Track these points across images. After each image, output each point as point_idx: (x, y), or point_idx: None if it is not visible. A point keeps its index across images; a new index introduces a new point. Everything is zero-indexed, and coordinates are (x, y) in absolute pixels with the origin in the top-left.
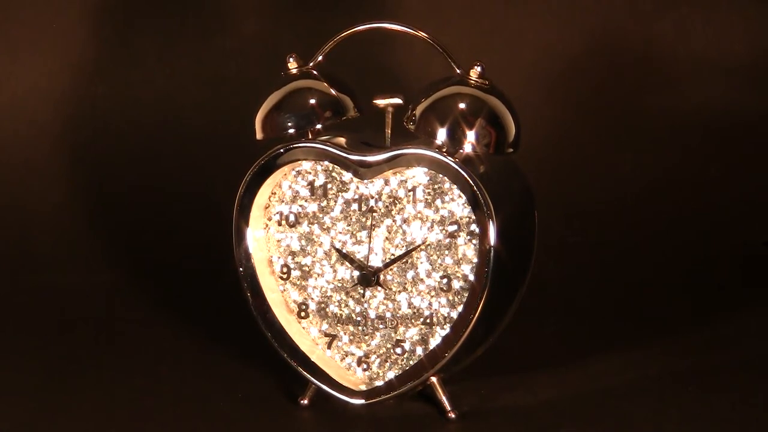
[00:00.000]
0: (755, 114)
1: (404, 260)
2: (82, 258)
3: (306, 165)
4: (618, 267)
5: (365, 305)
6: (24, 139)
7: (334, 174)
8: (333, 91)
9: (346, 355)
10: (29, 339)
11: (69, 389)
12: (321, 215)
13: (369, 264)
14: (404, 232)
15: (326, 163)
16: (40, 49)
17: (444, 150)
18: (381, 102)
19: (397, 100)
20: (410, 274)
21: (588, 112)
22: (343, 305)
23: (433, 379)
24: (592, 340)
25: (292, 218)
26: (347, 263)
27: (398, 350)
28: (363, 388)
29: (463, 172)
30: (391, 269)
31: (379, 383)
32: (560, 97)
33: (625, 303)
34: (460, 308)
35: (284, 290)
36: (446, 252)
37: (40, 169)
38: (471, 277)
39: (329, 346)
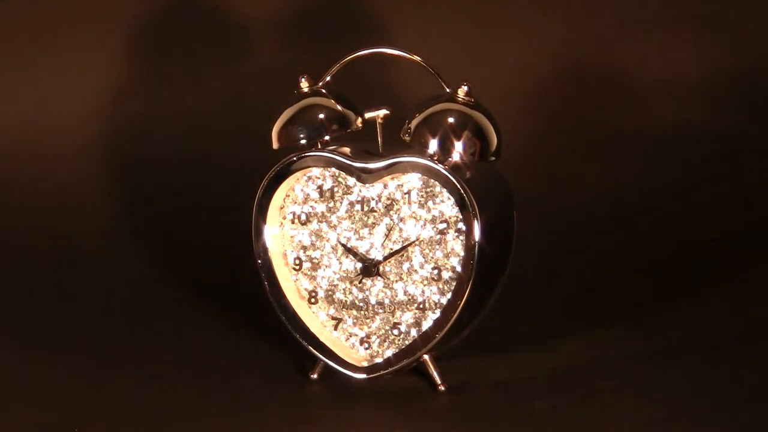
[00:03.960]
0: (702, 128)
1: (401, 254)
2: (121, 253)
3: (316, 171)
4: (585, 261)
5: (367, 293)
6: (70, 150)
7: (340, 179)
8: (339, 107)
9: (350, 336)
10: (76, 323)
11: (109, 366)
12: (328, 214)
13: (370, 257)
14: (401, 230)
15: (333, 169)
16: (84, 69)
17: (435, 158)
18: (369, 114)
19: (384, 111)
20: (406, 265)
21: (559, 126)
22: (347, 292)
23: (426, 356)
24: (565, 323)
25: (303, 217)
26: (351, 256)
27: (395, 332)
28: (365, 364)
29: (451, 178)
30: (389, 261)
31: (378, 360)
32: (535, 113)
33: (592, 292)
34: (449, 295)
35: (297, 280)
36: (437, 247)
37: (85, 176)
38: (458, 269)
39: (335, 328)
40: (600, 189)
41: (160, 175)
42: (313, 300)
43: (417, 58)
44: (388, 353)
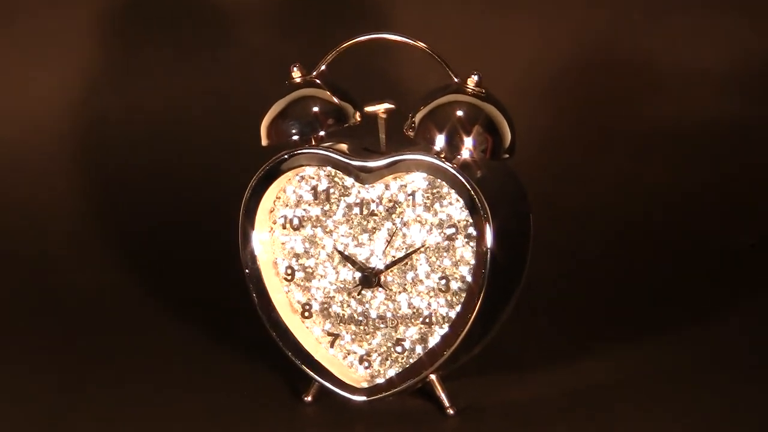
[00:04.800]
0: (735, 122)
1: (404, 262)
2: (94, 261)
3: (309, 170)
4: (606, 269)
5: (366, 305)
6: (37, 144)
7: (336, 179)
8: (335, 99)
9: (349, 354)
10: (42, 338)
11: (81, 387)
12: (324, 219)
13: (370, 266)
14: (404, 235)
15: (329, 168)
16: (54, 59)
17: (442, 156)
18: (371, 108)
19: (388, 105)
20: (410, 275)
21: (579, 120)
22: (345, 305)
23: (432, 376)
24: (583, 339)
25: (296, 221)
26: (349, 265)
27: (398, 349)
28: (365, 385)
29: (460, 177)
30: (391, 271)
31: (380, 380)
32: (552, 105)
33: (613, 303)
34: (458, 308)
35: (288, 291)
36: (444, 254)
37: (53, 173)
38: (468, 278)
39: (332, 345)
40: (623, 190)
41: (139, 175)
42: (306, 314)
43: (422, 44)
44: (391, 373)
